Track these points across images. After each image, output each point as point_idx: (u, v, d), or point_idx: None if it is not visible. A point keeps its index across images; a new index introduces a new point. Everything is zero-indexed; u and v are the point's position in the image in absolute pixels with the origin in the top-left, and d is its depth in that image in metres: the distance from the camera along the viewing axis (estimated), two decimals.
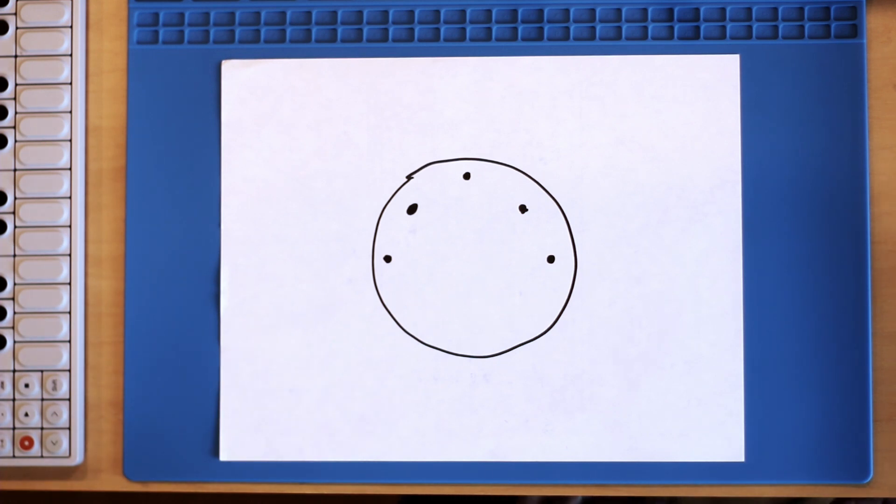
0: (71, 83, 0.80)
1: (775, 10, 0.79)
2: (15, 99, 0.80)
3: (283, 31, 0.81)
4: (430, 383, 0.79)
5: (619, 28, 0.80)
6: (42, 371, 0.79)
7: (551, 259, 0.79)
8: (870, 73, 0.80)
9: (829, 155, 0.79)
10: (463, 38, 0.80)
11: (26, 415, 0.79)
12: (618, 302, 0.79)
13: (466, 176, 0.80)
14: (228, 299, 0.80)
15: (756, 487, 0.79)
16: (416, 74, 0.80)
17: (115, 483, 0.81)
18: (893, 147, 0.80)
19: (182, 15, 0.81)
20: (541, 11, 0.80)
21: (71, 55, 0.80)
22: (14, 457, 0.79)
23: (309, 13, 0.81)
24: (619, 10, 0.80)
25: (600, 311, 0.79)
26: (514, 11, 0.80)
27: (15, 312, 0.80)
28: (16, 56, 0.80)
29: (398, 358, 0.79)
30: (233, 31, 0.81)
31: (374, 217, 0.80)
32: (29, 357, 0.79)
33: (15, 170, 0.80)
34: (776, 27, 0.79)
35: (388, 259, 0.80)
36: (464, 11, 0.80)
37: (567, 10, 0.80)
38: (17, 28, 0.80)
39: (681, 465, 0.78)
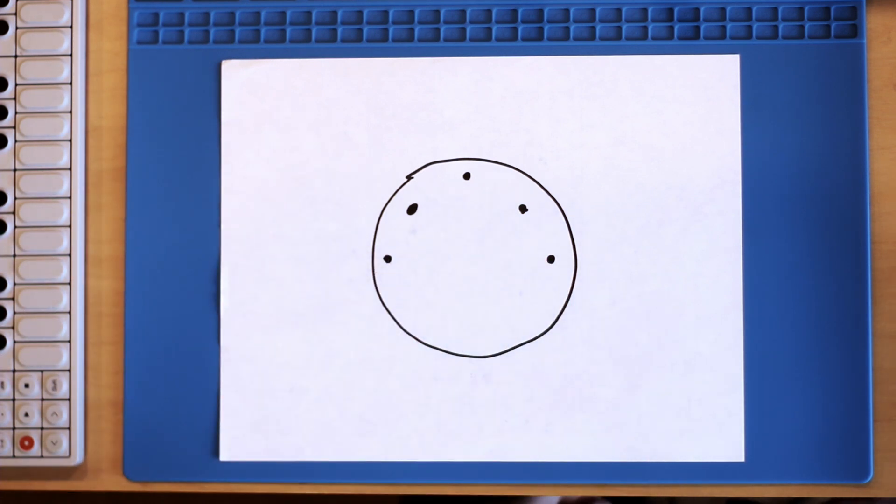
0: (71, 83, 0.80)
1: (775, 10, 0.79)
2: (15, 99, 0.80)
3: (283, 31, 0.81)
4: (430, 383, 0.79)
5: (619, 28, 0.80)
6: (42, 371, 0.79)
7: (551, 259, 0.79)
8: (870, 73, 0.80)
9: (829, 155, 0.79)
10: (463, 38, 0.80)
11: (26, 415, 0.79)
12: (618, 302, 0.79)
13: (466, 176, 0.80)
14: (228, 299, 0.80)
15: (756, 487, 0.79)
16: (416, 74, 0.80)
17: (115, 483, 0.81)
18: (893, 147, 0.80)
19: (182, 15, 0.81)
20: (541, 11, 0.80)
21: (71, 55, 0.80)
22: (14, 457, 0.79)
23: (309, 13, 0.81)
24: (619, 10, 0.80)
25: (600, 311, 0.79)
26: (514, 11, 0.80)
27: (15, 312, 0.80)
28: (16, 56, 0.80)
29: (398, 358, 0.79)
30: (233, 31, 0.81)
31: (374, 217, 0.80)
32: (29, 357, 0.79)
33: (15, 170, 0.80)
34: (776, 27, 0.79)
35: (388, 259, 0.80)
36: (464, 11, 0.80)
37: (567, 10, 0.80)
38: (17, 28, 0.80)
39: (681, 465, 0.78)
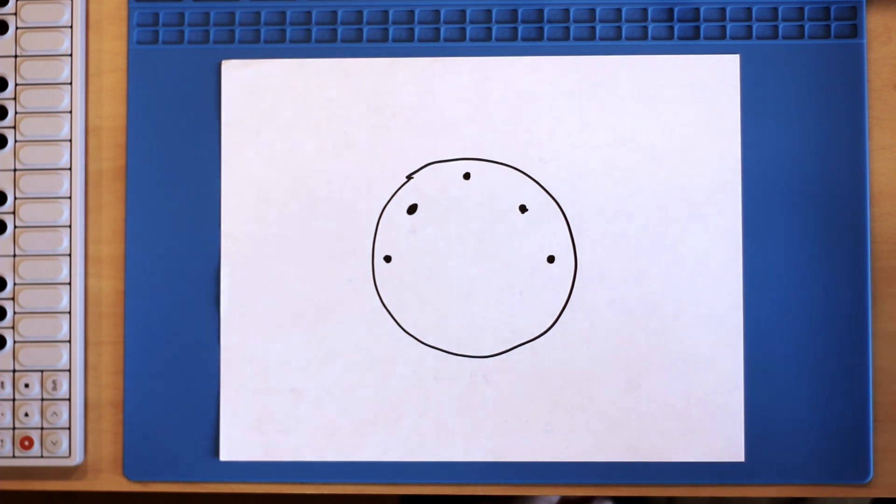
0: (71, 83, 0.80)
1: (775, 10, 0.79)
2: (15, 99, 0.80)
3: (283, 31, 0.81)
4: (430, 383, 0.79)
5: (619, 28, 0.80)
6: (42, 371, 0.79)
7: (551, 259, 0.79)
8: (870, 73, 0.80)
9: (829, 155, 0.79)
10: (463, 38, 0.80)
11: (26, 415, 0.79)
12: (618, 302, 0.79)
13: (466, 176, 0.80)
14: (228, 299, 0.80)
15: (756, 487, 0.79)
16: (416, 74, 0.80)
17: (115, 483, 0.81)
18: (893, 147, 0.80)
19: (182, 15, 0.81)
20: (541, 11, 0.80)
21: (71, 55, 0.80)
22: (14, 457, 0.79)
23: (309, 13, 0.81)
24: (619, 10, 0.80)
25: (600, 311, 0.79)
26: (514, 11, 0.80)
27: (15, 312, 0.80)
28: (16, 56, 0.80)
29: (398, 358, 0.79)
30: (233, 31, 0.81)
31: (374, 217, 0.80)
32: (29, 357, 0.79)
33: (15, 170, 0.80)
34: (776, 27, 0.79)
35: (388, 259, 0.80)
36: (464, 11, 0.80)
37: (567, 10, 0.80)
38: (17, 28, 0.80)
39: (681, 465, 0.78)
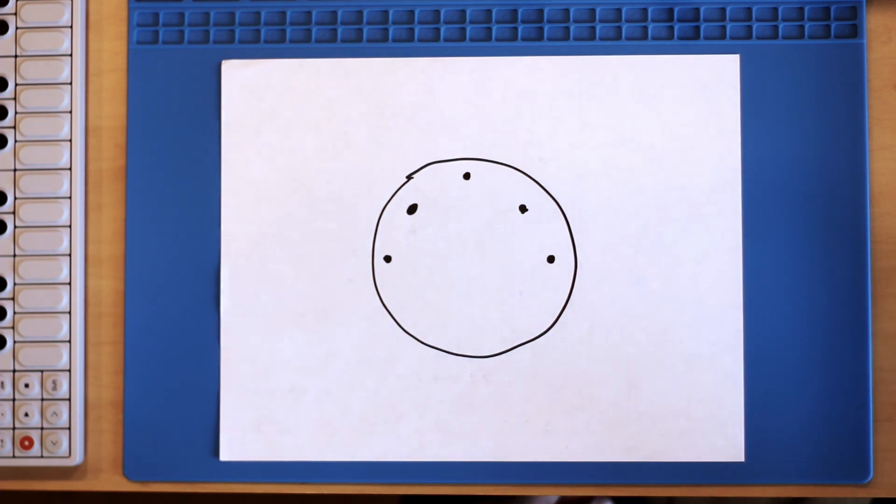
0: (71, 83, 0.80)
1: (775, 10, 0.79)
2: (15, 99, 0.80)
3: (283, 31, 0.81)
4: (430, 383, 0.79)
5: (619, 28, 0.80)
6: (42, 371, 0.79)
7: (551, 259, 0.79)
8: (870, 73, 0.80)
9: (829, 155, 0.79)
10: (463, 38, 0.80)
11: (26, 415, 0.79)
12: (618, 302, 0.79)
13: (466, 176, 0.80)
14: (228, 299, 0.80)
15: (756, 488, 0.79)
16: (416, 74, 0.80)
17: (115, 483, 0.81)
18: (893, 147, 0.80)
19: (182, 15, 0.81)
20: (541, 11, 0.80)
21: (71, 55, 0.80)
22: (14, 457, 0.79)
23: (309, 13, 0.81)
24: (619, 10, 0.80)
25: (600, 311, 0.79)
26: (514, 11, 0.80)
27: (15, 312, 0.80)
28: (16, 56, 0.80)
29: (398, 358, 0.79)
30: (233, 31, 0.81)
31: (374, 217, 0.80)
32: (29, 357, 0.79)
33: (15, 170, 0.80)
34: (776, 27, 0.79)
35: (388, 259, 0.80)
36: (464, 11, 0.80)
37: (567, 10, 0.80)
38: (17, 28, 0.80)
39: (681, 465, 0.78)
